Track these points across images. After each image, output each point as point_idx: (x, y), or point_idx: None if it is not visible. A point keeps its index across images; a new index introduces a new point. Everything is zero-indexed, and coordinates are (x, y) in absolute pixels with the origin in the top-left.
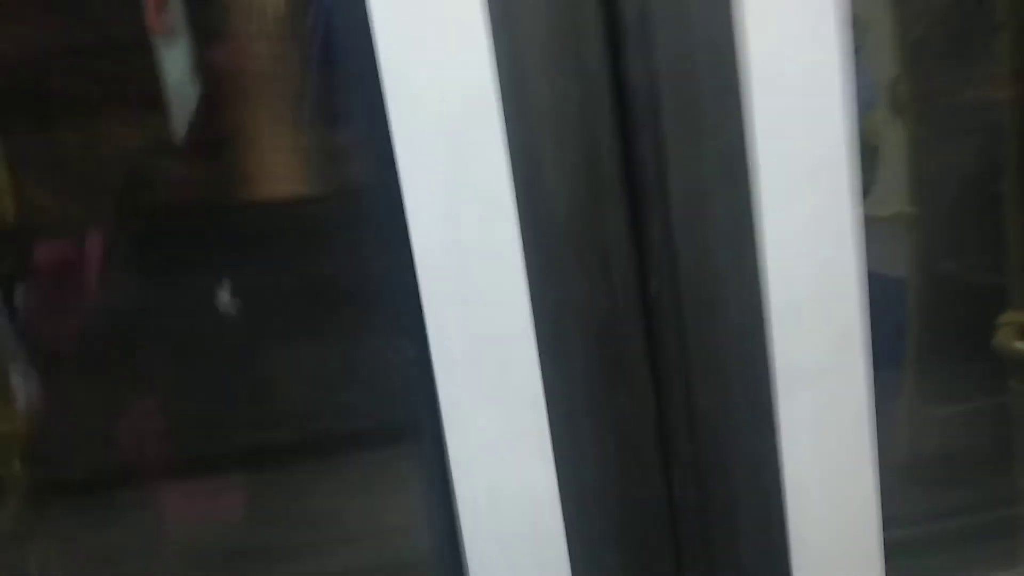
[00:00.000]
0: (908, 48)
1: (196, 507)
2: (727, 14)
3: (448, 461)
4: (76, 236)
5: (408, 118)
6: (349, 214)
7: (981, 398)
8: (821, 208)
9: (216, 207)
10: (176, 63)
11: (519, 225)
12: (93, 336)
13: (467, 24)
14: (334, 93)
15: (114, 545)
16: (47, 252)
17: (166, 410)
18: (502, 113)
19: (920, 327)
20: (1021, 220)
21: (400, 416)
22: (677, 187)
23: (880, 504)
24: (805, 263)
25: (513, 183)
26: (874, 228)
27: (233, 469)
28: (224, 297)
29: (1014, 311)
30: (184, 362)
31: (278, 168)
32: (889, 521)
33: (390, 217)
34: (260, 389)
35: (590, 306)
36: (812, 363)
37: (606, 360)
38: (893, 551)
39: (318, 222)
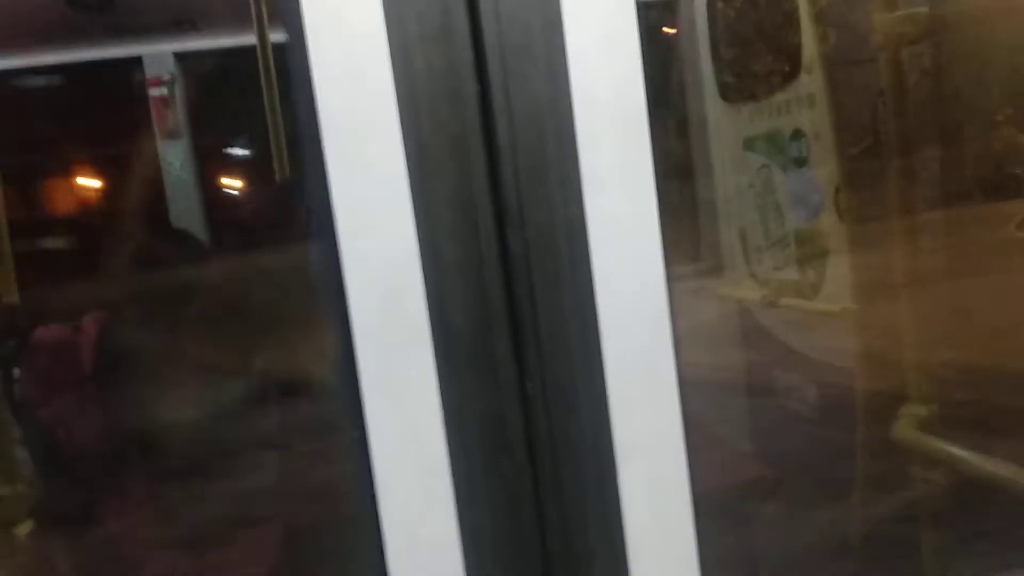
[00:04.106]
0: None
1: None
2: (579, 201)
3: (379, 515)
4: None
5: (356, 267)
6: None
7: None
8: (646, 331)
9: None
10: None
11: (432, 345)
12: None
13: (398, 212)
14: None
15: None
16: (47, 333)
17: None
18: (421, 268)
19: (861, 412)
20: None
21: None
22: (544, 319)
23: (698, 548)
24: (637, 370)
25: (428, 315)
26: (825, 322)
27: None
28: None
29: (913, 403)
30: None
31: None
32: None
33: (343, 338)
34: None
35: (483, 400)
36: (643, 442)
37: (494, 439)
38: None
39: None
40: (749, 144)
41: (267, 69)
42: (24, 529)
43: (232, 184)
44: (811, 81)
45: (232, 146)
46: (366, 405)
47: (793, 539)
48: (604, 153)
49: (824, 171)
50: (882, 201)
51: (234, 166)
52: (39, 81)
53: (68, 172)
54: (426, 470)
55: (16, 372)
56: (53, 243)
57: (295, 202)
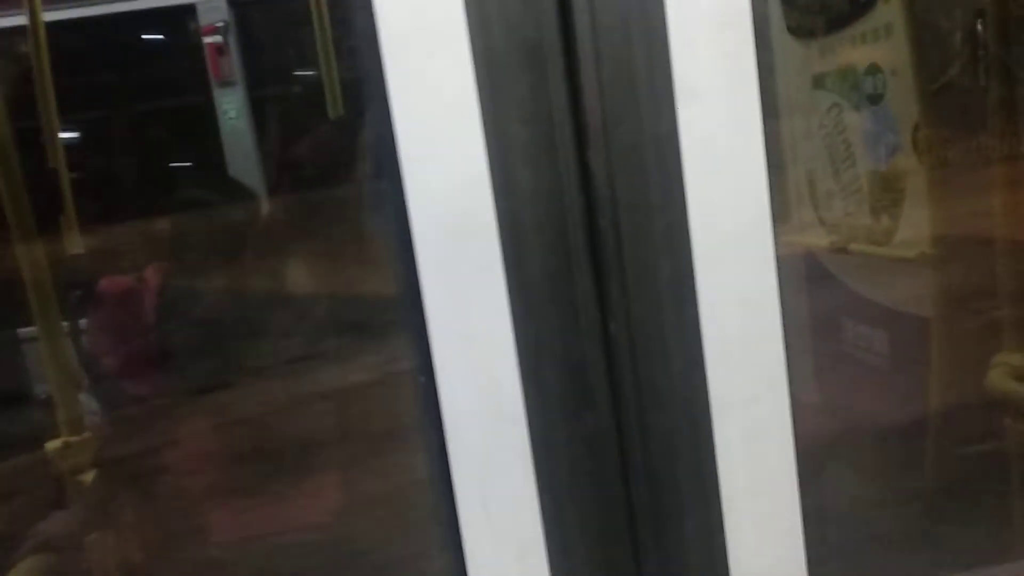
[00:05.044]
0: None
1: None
2: (672, 116)
3: (450, 468)
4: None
5: (420, 195)
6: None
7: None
8: (747, 267)
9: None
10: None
11: (506, 282)
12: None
13: (466, 131)
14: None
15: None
16: (110, 283)
17: None
18: (493, 195)
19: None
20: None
21: (412, 424)
22: (630, 252)
23: (801, 510)
24: (734, 312)
25: (501, 248)
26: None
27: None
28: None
29: (1007, 352)
30: None
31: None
32: None
33: (408, 275)
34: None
35: (562, 343)
36: (741, 394)
37: (575, 386)
38: None
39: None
40: (819, 81)
41: (318, 5)
42: (89, 476)
43: (287, 128)
44: (889, 10)
45: (286, 90)
46: (434, 349)
47: (888, 498)
48: (700, 61)
49: (902, 108)
50: (969, 138)
51: (289, 109)
52: (94, 31)
53: (123, 122)
54: (500, 420)
55: (82, 322)
56: (112, 193)
57: (351, 142)
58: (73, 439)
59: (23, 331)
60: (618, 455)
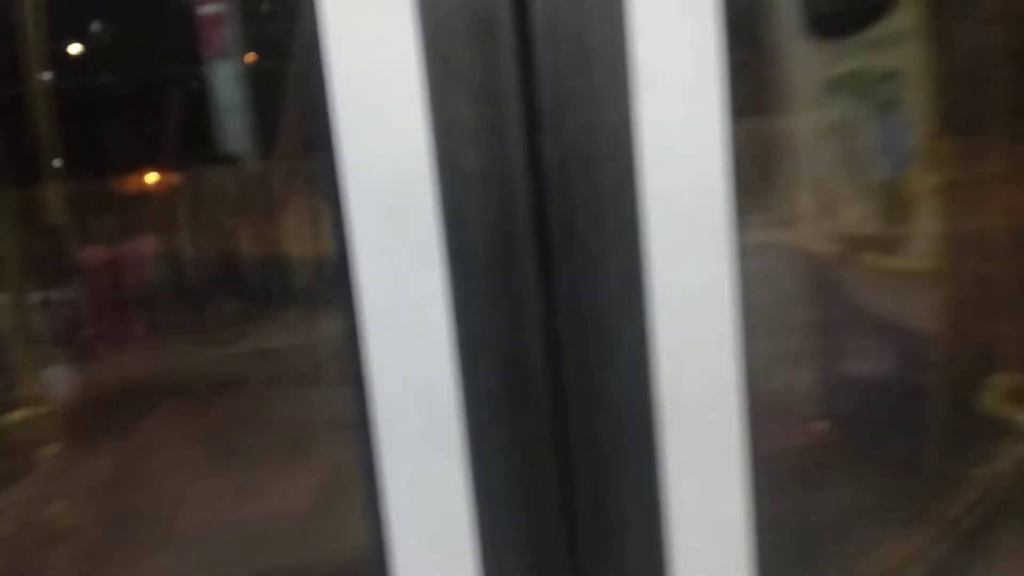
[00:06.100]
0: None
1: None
2: (627, 103)
3: (381, 468)
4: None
5: (358, 176)
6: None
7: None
8: (702, 267)
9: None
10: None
11: (445, 271)
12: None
13: (408, 107)
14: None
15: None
16: (92, 253)
17: None
18: (434, 178)
19: (941, 380)
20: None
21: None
22: (581, 246)
23: (750, 522)
24: (688, 314)
25: (441, 235)
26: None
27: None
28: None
29: (1002, 373)
30: None
31: None
32: None
33: (341, 260)
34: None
35: (503, 339)
36: (692, 400)
37: (515, 386)
38: None
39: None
40: (833, 85)
41: None
42: (51, 450)
43: (280, 104)
44: (908, 14)
45: (281, 65)
46: (368, 340)
47: (858, 516)
48: (664, 48)
49: (917, 116)
50: (985, 149)
51: (282, 85)
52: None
53: (113, 94)
54: (435, 418)
55: (60, 294)
56: (99, 164)
57: None
58: (34, 412)
59: None
60: (558, 460)
